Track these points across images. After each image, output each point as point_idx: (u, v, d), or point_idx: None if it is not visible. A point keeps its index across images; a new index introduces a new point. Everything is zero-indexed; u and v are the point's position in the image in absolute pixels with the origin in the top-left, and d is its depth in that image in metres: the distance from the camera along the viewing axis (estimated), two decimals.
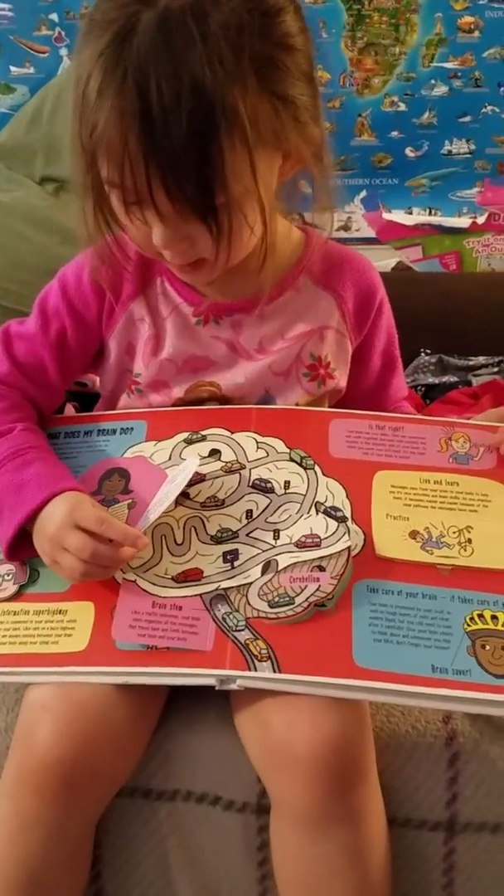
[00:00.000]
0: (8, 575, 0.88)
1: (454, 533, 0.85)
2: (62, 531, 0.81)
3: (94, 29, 0.76)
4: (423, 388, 1.79)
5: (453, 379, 1.78)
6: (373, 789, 0.80)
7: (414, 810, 0.86)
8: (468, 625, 0.79)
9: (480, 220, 2.07)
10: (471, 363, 1.83)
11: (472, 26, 1.98)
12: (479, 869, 0.87)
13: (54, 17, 1.99)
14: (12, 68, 2.03)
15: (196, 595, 0.82)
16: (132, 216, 0.81)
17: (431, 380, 1.79)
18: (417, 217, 2.10)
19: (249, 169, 0.77)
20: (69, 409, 1.20)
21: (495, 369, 1.78)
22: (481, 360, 1.82)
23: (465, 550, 0.84)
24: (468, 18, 1.98)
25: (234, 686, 0.77)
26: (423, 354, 1.86)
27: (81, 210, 0.85)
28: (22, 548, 0.86)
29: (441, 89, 2.03)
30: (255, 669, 0.77)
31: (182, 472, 0.88)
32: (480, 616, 0.80)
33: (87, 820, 0.82)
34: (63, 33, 1.99)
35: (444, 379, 1.78)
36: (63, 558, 0.82)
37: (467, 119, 2.05)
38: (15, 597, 0.86)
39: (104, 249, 0.90)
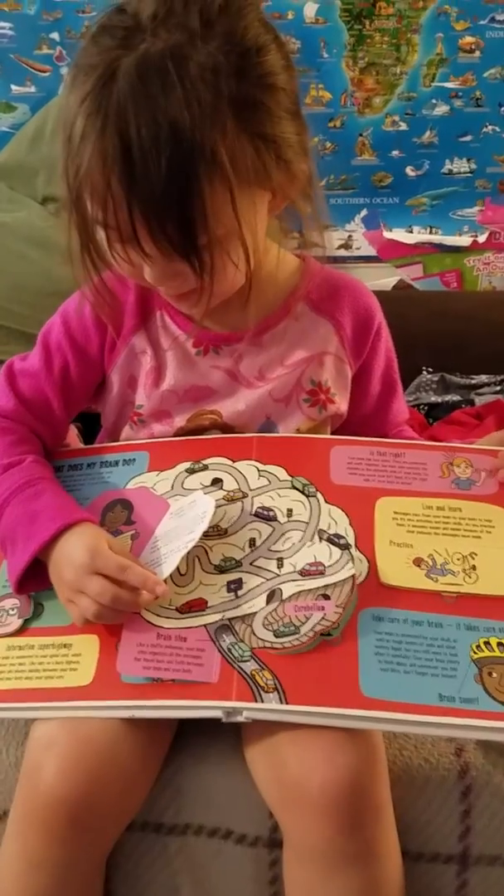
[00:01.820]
0: (13, 609, 0.88)
1: (458, 560, 0.85)
2: (82, 578, 0.81)
3: (79, 74, 0.77)
4: (426, 407, 1.80)
5: (456, 398, 1.79)
6: (388, 826, 0.80)
7: (426, 843, 0.86)
8: (474, 652, 0.79)
9: (481, 238, 2.09)
10: (473, 382, 1.84)
11: (473, 46, 1.99)
12: None
13: (55, 35, 2.00)
14: (13, 87, 2.03)
15: (201, 626, 0.82)
16: (119, 256, 0.82)
17: (434, 398, 1.80)
18: (418, 235, 2.11)
19: (231, 209, 0.77)
20: (72, 431, 1.19)
21: (497, 388, 1.79)
22: (483, 378, 1.83)
23: (470, 577, 0.84)
24: (469, 38, 1.99)
25: (240, 718, 0.76)
26: (424, 373, 1.87)
27: (68, 255, 0.86)
28: (32, 580, 0.86)
29: (442, 109, 2.04)
30: (262, 701, 0.76)
31: (192, 509, 0.87)
32: (487, 643, 0.79)
33: (96, 857, 0.82)
34: (64, 52, 2.00)
35: (447, 398, 1.79)
36: (80, 600, 0.81)
37: (468, 138, 2.06)
38: (20, 631, 0.86)
39: (93, 292, 0.91)
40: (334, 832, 0.75)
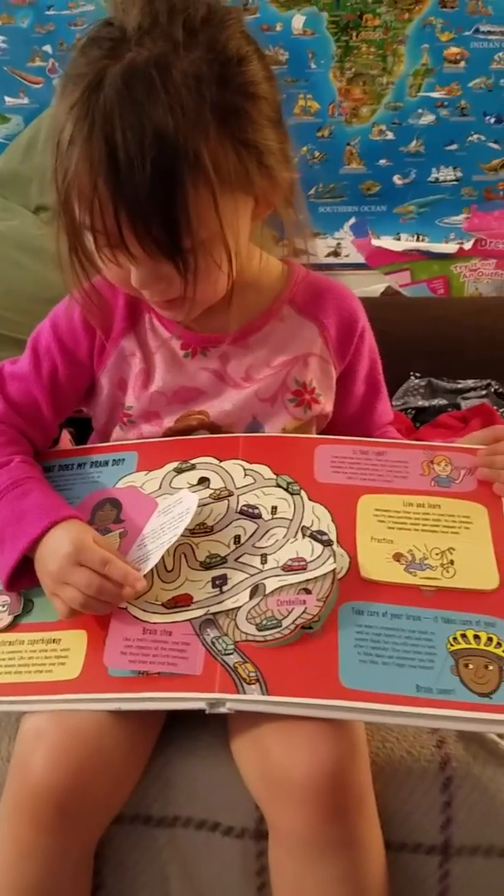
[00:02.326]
0: (3, 606, 0.89)
1: (437, 555, 0.86)
2: (65, 569, 0.83)
3: (68, 84, 0.79)
4: (413, 411, 1.80)
5: (443, 402, 1.79)
6: (370, 815, 0.81)
7: (409, 834, 0.87)
8: (451, 644, 0.80)
9: (467, 245, 2.09)
10: (459, 386, 1.84)
11: (458, 57, 2.00)
12: (474, 892, 0.88)
13: (48, 48, 2.01)
14: (7, 99, 2.05)
15: (186, 620, 0.83)
16: (107, 258, 0.83)
17: (421, 403, 1.81)
18: (405, 243, 2.12)
19: (214, 213, 0.79)
20: (65, 435, 1.21)
21: (483, 392, 1.80)
22: (470, 383, 1.84)
23: (448, 572, 0.85)
24: (454, 49, 2.00)
25: (223, 709, 0.78)
26: (412, 378, 1.88)
27: (58, 259, 0.87)
28: (21, 578, 0.88)
29: (428, 118, 2.05)
30: (244, 692, 0.78)
31: (178, 506, 0.89)
32: (463, 636, 0.81)
33: (85, 847, 0.83)
34: (56, 64, 2.01)
35: (434, 402, 1.80)
36: (64, 591, 0.83)
37: (454, 147, 2.06)
38: (10, 627, 0.88)
39: (82, 295, 0.92)
40: (317, 820, 0.77)
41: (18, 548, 0.86)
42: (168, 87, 0.75)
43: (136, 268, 0.83)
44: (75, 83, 0.78)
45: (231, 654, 0.80)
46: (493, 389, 1.82)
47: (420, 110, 2.05)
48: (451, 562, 0.86)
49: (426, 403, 1.80)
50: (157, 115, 0.74)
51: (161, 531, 0.88)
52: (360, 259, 2.13)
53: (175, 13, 0.78)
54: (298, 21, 1.99)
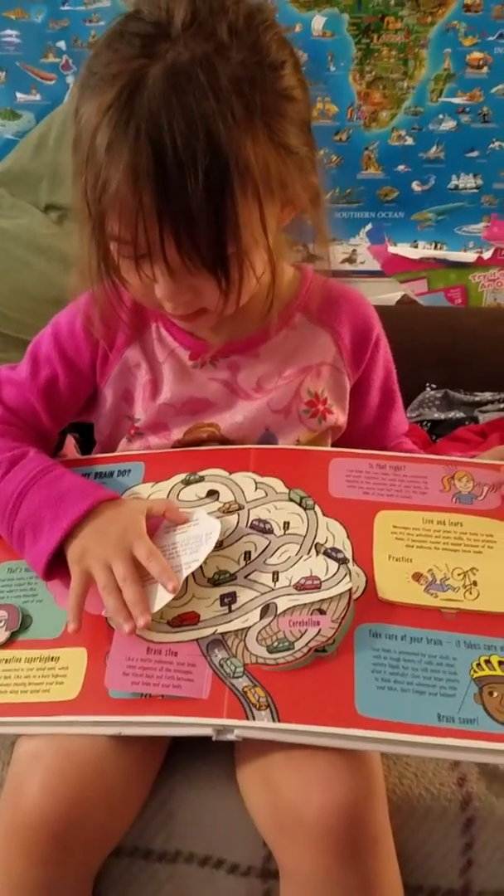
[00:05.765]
0: (0, 622, 0.86)
1: (459, 575, 0.83)
2: (116, 554, 0.80)
3: (97, 82, 0.75)
4: (429, 424, 1.79)
5: (459, 415, 1.78)
6: (388, 856, 0.78)
7: (426, 877, 0.84)
8: (475, 671, 0.77)
9: (486, 255, 2.08)
10: (477, 399, 1.83)
11: (481, 62, 1.99)
12: None
13: (62, 44, 2.00)
14: (18, 95, 2.03)
15: (192, 640, 0.80)
16: (141, 271, 0.80)
17: (437, 415, 1.80)
18: (423, 251, 2.11)
19: (259, 220, 0.77)
20: (70, 441, 1.19)
21: (502, 405, 1.79)
22: (487, 395, 1.83)
23: (471, 593, 0.82)
24: (477, 54, 1.98)
25: (231, 736, 0.74)
26: (428, 389, 1.87)
27: (86, 259, 0.84)
28: (57, 566, 0.85)
29: (449, 124, 2.03)
30: (254, 718, 0.74)
31: (193, 528, 0.86)
32: (487, 662, 0.77)
33: (80, 881, 0.80)
34: (70, 61, 2.00)
35: (451, 415, 1.78)
36: (99, 574, 0.80)
37: (474, 154, 2.05)
38: (7, 644, 0.84)
39: (101, 296, 0.90)
40: (331, 862, 0.73)
41: (60, 527, 0.84)
42: (216, 91, 0.72)
43: (168, 280, 0.80)
44: (107, 82, 0.74)
45: (240, 677, 0.77)
46: None
47: (441, 116, 2.03)
48: (475, 583, 0.82)
49: (442, 416, 1.79)
50: (207, 119, 0.71)
51: (174, 552, 0.84)
52: (376, 266, 2.12)
53: (217, 13, 0.75)
54: (318, 22, 1.97)
